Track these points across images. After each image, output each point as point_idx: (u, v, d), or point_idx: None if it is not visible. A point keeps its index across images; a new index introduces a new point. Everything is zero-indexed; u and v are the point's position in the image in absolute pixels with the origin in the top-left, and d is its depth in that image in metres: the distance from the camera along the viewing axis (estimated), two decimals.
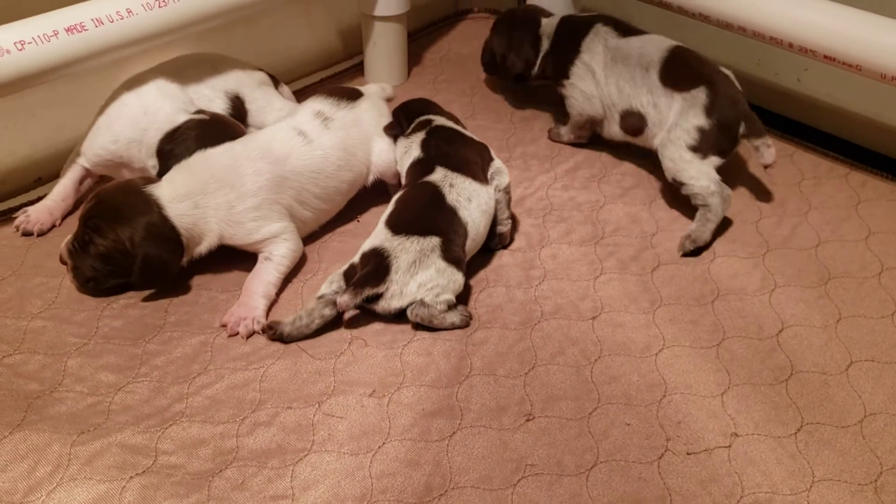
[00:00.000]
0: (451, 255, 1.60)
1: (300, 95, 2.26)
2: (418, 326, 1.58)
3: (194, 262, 1.68)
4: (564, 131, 2.11)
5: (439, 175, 1.70)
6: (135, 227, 1.57)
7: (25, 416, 1.40)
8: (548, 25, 2.11)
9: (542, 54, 2.10)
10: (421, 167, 1.74)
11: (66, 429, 1.38)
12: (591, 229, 1.85)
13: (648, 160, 2.05)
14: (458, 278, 1.60)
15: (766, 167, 1.88)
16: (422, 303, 1.56)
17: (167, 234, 1.59)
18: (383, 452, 1.38)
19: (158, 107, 1.78)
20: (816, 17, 1.81)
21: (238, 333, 1.56)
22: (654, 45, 1.93)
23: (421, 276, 1.56)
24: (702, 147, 1.83)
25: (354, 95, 1.87)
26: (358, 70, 2.40)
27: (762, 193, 1.96)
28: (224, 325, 1.58)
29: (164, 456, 1.36)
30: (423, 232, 1.60)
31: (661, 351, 1.57)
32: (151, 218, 1.58)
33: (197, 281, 1.69)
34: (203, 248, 1.65)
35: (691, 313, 1.66)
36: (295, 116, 1.80)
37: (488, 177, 1.75)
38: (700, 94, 1.84)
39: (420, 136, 1.80)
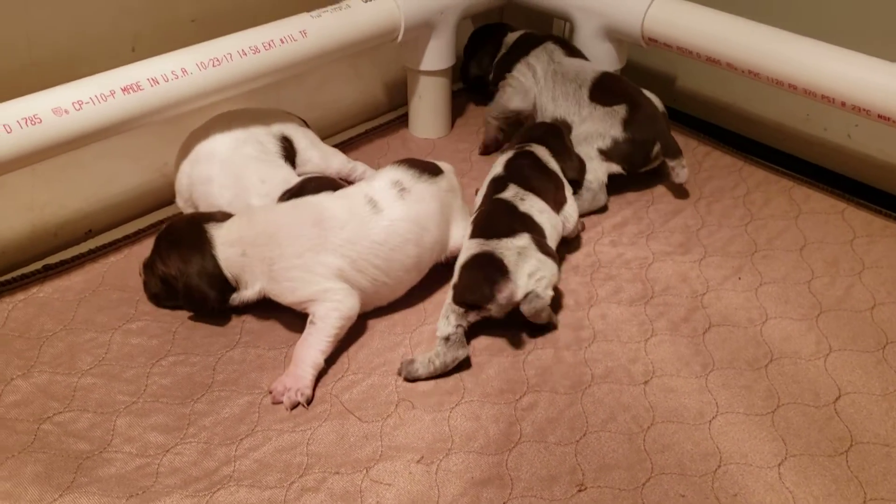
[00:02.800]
0: (544, 248, 1.69)
1: (346, 146, 2.28)
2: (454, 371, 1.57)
3: (245, 308, 1.72)
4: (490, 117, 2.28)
5: (511, 192, 1.80)
6: (186, 260, 1.66)
7: (75, 478, 1.40)
8: (510, 38, 2.33)
9: (496, 60, 2.33)
10: (497, 184, 1.84)
11: (115, 492, 1.38)
12: (640, 288, 1.83)
13: (696, 219, 2.03)
14: (556, 269, 1.68)
15: (676, 184, 2.12)
16: (536, 294, 1.62)
17: (212, 272, 1.66)
18: None
19: (272, 174, 1.85)
20: (869, 76, 1.79)
21: (282, 403, 1.56)
22: (590, 68, 2.14)
23: (527, 266, 1.63)
24: (610, 154, 2.04)
25: (436, 171, 1.80)
26: (402, 122, 2.42)
27: (813, 252, 1.93)
28: (270, 392, 1.57)
29: None
30: (511, 233, 1.69)
31: (714, 418, 1.54)
32: (202, 255, 1.66)
33: (245, 338, 1.69)
34: (248, 294, 1.66)
35: (745, 378, 1.62)
36: (371, 183, 1.75)
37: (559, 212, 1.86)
38: (621, 110, 2.04)
39: (508, 154, 1.92)
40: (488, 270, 1.62)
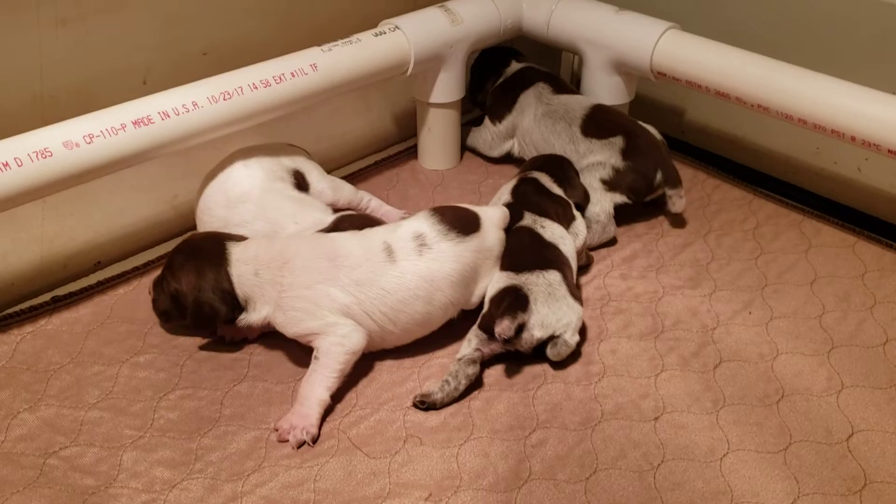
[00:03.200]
0: (571, 288, 1.72)
1: (355, 178, 2.29)
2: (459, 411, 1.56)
3: (253, 340, 1.74)
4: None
5: (529, 220, 1.83)
6: (201, 273, 1.65)
7: None
8: (511, 69, 2.36)
9: (493, 86, 2.36)
10: (510, 212, 1.84)
11: None
12: (650, 322, 1.82)
13: (706, 252, 2.03)
14: (581, 312, 1.71)
15: (672, 214, 2.13)
16: (564, 342, 1.66)
17: (225, 288, 1.64)
18: None
19: (305, 215, 1.85)
20: (879, 112, 1.78)
21: (288, 441, 1.54)
22: (579, 104, 2.16)
23: (557, 310, 1.66)
24: (612, 183, 2.04)
25: (470, 227, 1.70)
26: (411, 153, 2.42)
27: (824, 286, 1.92)
28: (276, 430, 1.56)
29: None
30: (542, 266, 1.71)
31: (725, 455, 1.52)
32: (218, 270, 1.65)
33: (252, 371, 1.69)
34: (254, 318, 1.65)
35: (756, 414, 1.61)
36: (396, 229, 1.70)
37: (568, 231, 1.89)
38: (618, 141, 2.05)
39: (512, 182, 1.96)
40: (510, 301, 1.65)
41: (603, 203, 2.03)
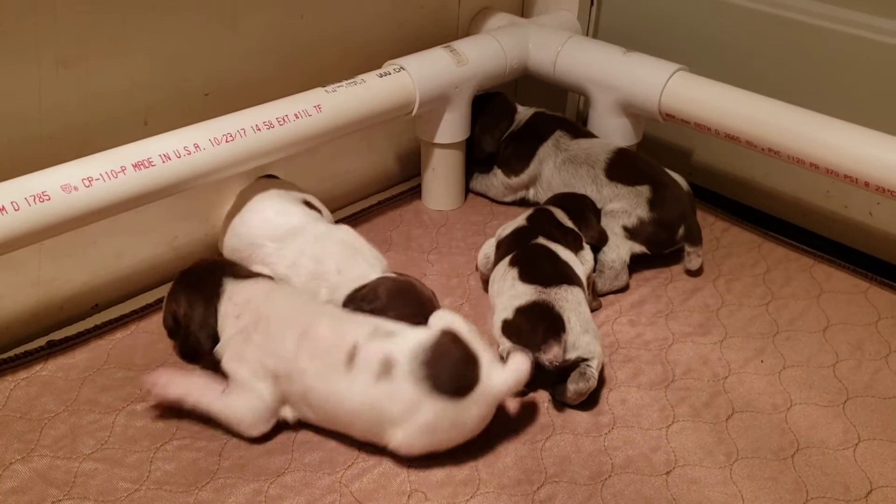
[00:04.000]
0: (590, 311, 1.75)
1: (358, 218, 2.26)
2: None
3: None
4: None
5: (542, 241, 1.85)
6: (192, 306, 1.64)
7: None
8: (522, 114, 2.32)
9: (506, 134, 2.30)
10: (522, 234, 1.88)
11: None
12: (660, 371, 1.78)
13: (716, 298, 1.99)
14: (600, 350, 1.70)
15: (687, 270, 2.08)
16: (591, 375, 1.64)
17: (210, 324, 1.63)
18: None
19: (350, 266, 1.79)
20: (894, 158, 1.75)
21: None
22: (601, 147, 2.13)
23: (586, 332, 1.67)
24: (634, 233, 2.00)
25: (464, 387, 1.48)
26: (415, 193, 2.39)
27: (837, 334, 1.88)
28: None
29: None
30: (567, 281, 1.73)
31: None
32: (207, 306, 1.63)
33: None
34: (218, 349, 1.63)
35: (770, 469, 1.56)
36: (380, 343, 1.52)
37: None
38: (645, 191, 2.01)
39: (527, 212, 1.97)
40: (549, 322, 1.66)
41: (621, 251, 1.99)
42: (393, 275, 1.77)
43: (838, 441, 1.61)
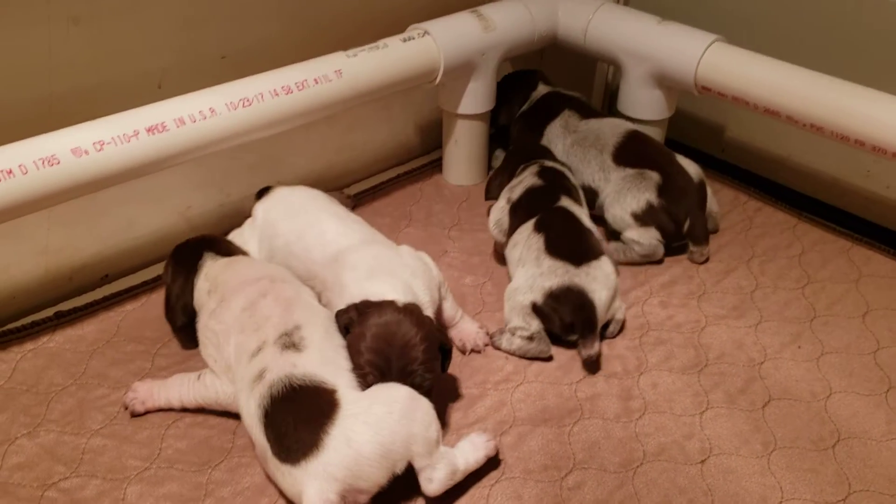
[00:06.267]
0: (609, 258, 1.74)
1: (377, 192, 2.18)
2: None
3: None
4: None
5: (566, 202, 1.81)
6: (174, 279, 1.63)
7: None
8: (538, 93, 2.24)
9: (519, 112, 2.24)
10: (542, 193, 1.83)
11: None
12: (693, 354, 1.70)
13: (750, 280, 1.91)
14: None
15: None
16: (616, 322, 1.72)
17: (186, 300, 1.61)
18: None
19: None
20: None
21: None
22: (611, 129, 2.04)
23: (614, 301, 1.70)
24: (645, 219, 1.92)
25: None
26: (435, 167, 2.31)
27: (877, 320, 1.80)
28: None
29: None
30: (596, 255, 1.70)
31: None
32: (185, 280, 1.61)
33: None
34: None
35: (810, 459, 1.48)
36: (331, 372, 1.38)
37: None
38: (654, 175, 1.93)
39: (533, 169, 1.91)
40: (585, 316, 1.63)
41: (648, 236, 1.92)
42: (397, 306, 1.44)
43: (881, 432, 1.54)
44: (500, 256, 1.96)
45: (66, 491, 1.38)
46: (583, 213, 1.82)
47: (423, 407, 1.34)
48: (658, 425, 1.54)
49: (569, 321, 1.64)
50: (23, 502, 1.35)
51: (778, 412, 1.58)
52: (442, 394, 1.57)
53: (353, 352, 1.40)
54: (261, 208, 1.79)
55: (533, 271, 1.69)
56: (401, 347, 1.39)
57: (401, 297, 1.46)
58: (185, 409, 1.53)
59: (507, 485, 1.41)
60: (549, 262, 1.69)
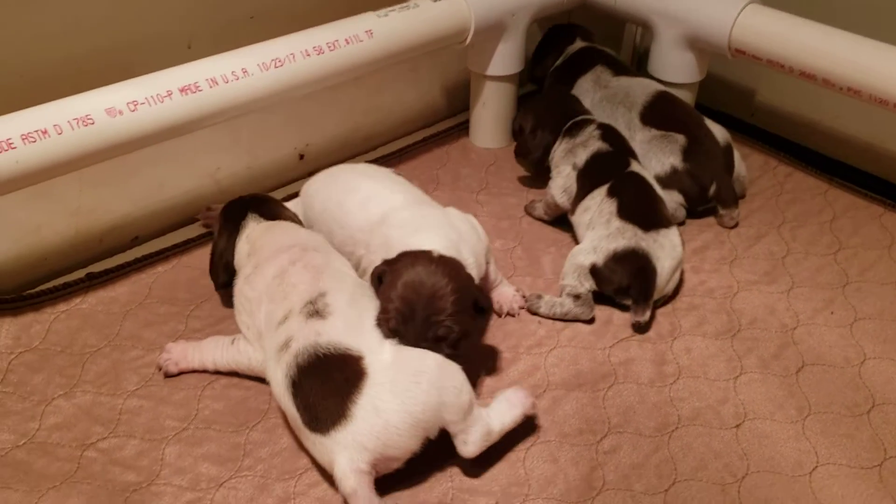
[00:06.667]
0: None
1: (403, 155, 2.17)
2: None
3: None
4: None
5: (637, 166, 1.81)
6: (219, 236, 1.63)
7: None
8: (572, 48, 2.24)
9: (553, 65, 2.24)
10: (612, 158, 1.81)
11: None
12: (725, 320, 1.69)
13: (781, 245, 1.89)
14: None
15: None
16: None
17: (227, 259, 1.60)
18: None
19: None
20: None
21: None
22: (641, 88, 2.03)
23: (674, 277, 1.71)
24: (668, 182, 1.90)
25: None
26: (462, 130, 2.29)
27: None
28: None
29: None
30: (666, 224, 1.71)
31: (815, 470, 1.40)
32: (229, 240, 1.61)
33: None
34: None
35: (845, 425, 1.48)
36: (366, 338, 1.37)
37: None
38: (679, 138, 1.92)
39: (592, 130, 1.88)
40: (643, 284, 1.64)
41: (670, 200, 1.89)
42: (431, 256, 1.41)
43: None
44: (529, 220, 1.95)
45: (105, 451, 1.39)
46: (651, 178, 1.81)
47: (453, 374, 1.32)
48: (692, 390, 1.54)
49: (626, 284, 1.64)
50: (62, 462, 1.36)
51: (812, 378, 1.57)
52: (474, 358, 1.57)
53: (383, 298, 1.39)
54: (303, 187, 1.79)
55: (601, 233, 1.70)
56: (428, 297, 1.35)
57: (442, 251, 1.43)
58: (217, 372, 1.53)
59: (542, 448, 1.42)
60: (617, 224, 1.69)
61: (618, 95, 2.04)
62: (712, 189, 1.92)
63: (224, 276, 1.61)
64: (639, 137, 1.96)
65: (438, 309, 1.35)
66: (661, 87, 2.04)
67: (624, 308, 1.69)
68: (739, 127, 2.27)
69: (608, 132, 1.87)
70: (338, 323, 1.36)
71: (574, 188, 1.82)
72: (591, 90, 2.10)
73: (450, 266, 1.40)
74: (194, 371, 1.53)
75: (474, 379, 1.49)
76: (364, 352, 1.32)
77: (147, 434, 1.42)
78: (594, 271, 1.66)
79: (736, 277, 1.80)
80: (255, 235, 1.58)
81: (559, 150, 1.90)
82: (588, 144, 1.85)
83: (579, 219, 1.79)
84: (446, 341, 1.36)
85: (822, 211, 2.01)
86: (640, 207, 1.71)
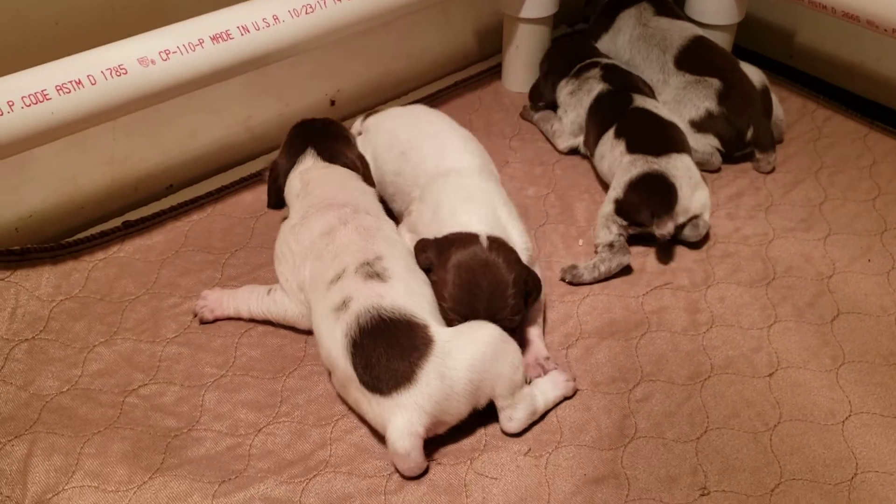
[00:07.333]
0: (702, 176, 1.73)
1: (434, 100, 2.15)
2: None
3: None
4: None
5: (641, 100, 1.80)
6: (278, 160, 1.62)
7: (164, 459, 1.32)
8: None
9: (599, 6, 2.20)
10: (615, 98, 1.82)
11: (206, 475, 1.29)
12: (760, 267, 1.68)
13: (819, 191, 1.86)
14: (708, 194, 1.73)
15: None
16: (703, 222, 1.69)
17: (279, 185, 1.61)
18: None
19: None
20: None
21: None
22: (679, 32, 1.99)
23: (699, 196, 1.68)
24: (703, 125, 1.88)
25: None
26: (494, 74, 2.26)
27: None
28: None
29: None
30: (677, 149, 1.70)
31: (848, 418, 1.40)
32: (286, 168, 1.60)
33: None
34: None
35: (879, 374, 1.48)
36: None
37: None
38: (714, 82, 1.89)
39: (595, 72, 1.90)
40: (663, 196, 1.64)
41: (704, 143, 1.89)
42: (481, 246, 1.40)
43: None
44: (562, 166, 1.94)
45: (146, 397, 1.42)
46: (659, 106, 1.81)
47: (513, 350, 1.35)
48: (725, 338, 1.54)
49: (648, 204, 1.64)
50: (105, 408, 1.40)
51: (847, 326, 1.56)
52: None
53: (438, 296, 1.39)
54: (371, 120, 1.77)
55: (619, 178, 1.70)
56: (489, 296, 1.36)
57: (488, 231, 1.42)
58: (252, 320, 1.56)
59: (574, 397, 1.43)
60: (629, 158, 1.70)
61: (655, 36, 2.00)
62: (749, 133, 1.88)
63: (274, 200, 1.62)
64: (673, 83, 1.93)
65: (500, 307, 1.37)
66: (699, 32, 1.99)
67: (639, 257, 1.69)
68: (778, 69, 2.22)
69: (609, 71, 1.88)
70: (399, 287, 1.36)
71: (574, 142, 1.91)
72: (630, 26, 2.07)
73: (501, 254, 1.39)
74: (229, 318, 1.56)
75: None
76: (428, 320, 1.33)
77: (186, 381, 1.45)
78: (619, 209, 1.66)
79: (772, 224, 1.78)
80: (308, 176, 1.56)
81: (564, 91, 1.93)
82: (591, 89, 1.87)
83: (600, 167, 1.82)
84: (508, 331, 1.37)
85: (861, 156, 1.97)
86: (648, 137, 1.72)
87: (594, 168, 1.87)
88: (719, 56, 1.95)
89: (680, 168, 1.66)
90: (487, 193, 1.52)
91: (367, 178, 1.62)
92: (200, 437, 1.36)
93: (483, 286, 1.36)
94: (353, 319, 1.32)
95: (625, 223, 1.65)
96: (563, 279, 1.63)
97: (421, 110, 1.76)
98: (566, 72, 1.95)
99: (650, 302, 1.60)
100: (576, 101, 1.88)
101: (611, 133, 1.76)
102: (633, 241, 1.70)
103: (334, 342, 1.33)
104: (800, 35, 2.25)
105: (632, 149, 1.70)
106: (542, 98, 2.02)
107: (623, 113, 1.77)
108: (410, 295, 1.36)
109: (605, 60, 1.94)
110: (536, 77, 2.08)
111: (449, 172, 1.55)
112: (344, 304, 1.34)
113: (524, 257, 1.45)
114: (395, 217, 1.64)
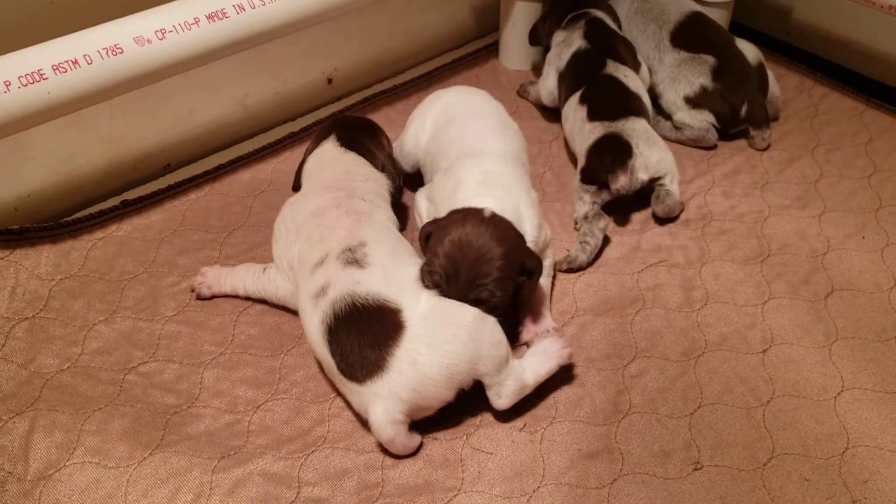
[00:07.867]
0: (659, 134, 1.77)
1: (431, 78, 2.15)
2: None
3: None
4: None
5: (612, 67, 1.81)
6: (313, 138, 1.69)
7: (164, 435, 1.34)
8: None
9: None
10: (589, 58, 1.84)
11: (205, 451, 1.31)
12: (755, 245, 1.69)
13: (814, 169, 1.87)
14: (674, 164, 1.73)
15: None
16: (667, 192, 1.70)
17: (303, 159, 1.65)
18: (539, 498, 1.27)
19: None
20: None
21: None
22: (676, 6, 2.01)
23: (657, 152, 1.69)
24: (698, 101, 1.90)
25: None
26: (492, 51, 2.26)
27: None
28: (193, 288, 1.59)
29: (307, 487, 1.28)
30: (632, 113, 1.73)
31: (840, 394, 1.42)
32: (312, 145, 1.66)
33: None
34: None
35: (872, 350, 1.49)
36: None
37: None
38: (709, 59, 1.90)
39: (580, 25, 1.92)
40: (615, 153, 1.67)
41: (700, 118, 1.90)
42: (482, 216, 1.39)
43: None
44: (559, 144, 1.94)
45: (146, 375, 1.44)
46: (630, 76, 1.82)
47: (490, 328, 1.32)
48: (720, 315, 1.55)
49: (607, 163, 1.67)
50: (105, 385, 1.41)
51: (840, 303, 1.58)
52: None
53: (430, 251, 1.39)
54: (438, 91, 1.80)
55: (580, 142, 1.74)
56: (474, 259, 1.35)
57: (500, 212, 1.41)
58: (248, 298, 1.57)
59: (570, 373, 1.44)
60: (588, 126, 1.73)
61: (653, 11, 2.01)
62: (744, 110, 1.89)
63: (296, 181, 1.65)
64: (668, 60, 1.94)
65: (483, 273, 1.35)
66: (697, 8, 1.99)
67: (634, 235, 1.70)
68: (775, 46, 2.22)
69: (592, 27, 1.90)
70: (377, 273, 1.35)
71: (555, 94, 1.91)
72: (628, 1, 2.08)
73: (500, 228, 1.37)
74: (226, 296, 1.57)
75: (510, 325, 1.52)
76: (403, 304, 1.32)
77: (186, 358, 1.47)
78: (584, 176, 1.70)
79: (767, 202, 1.79)
80: (321, 158, 1.60)
81: (556, 39, 1.95)
82: (572, 43, 1.88)
83: (564, 127, 1.85)
84: (486, 304, 1.36)
85: (857, 133, 1.98)
86: (607, 104, 1.74)
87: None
88: (714, 32, 1.95)
89: (637, 129, 1.70)
90: (511, 179, 1.51)
91: (393, 179, 1.63)
92: (200, 413, 1.38)
93: (473, 248, 1.34)
94: (329, 306, 1.32)
95: (594, 188, 1.68)
96: (561, 270, 1.62)
97: (481, 95, 1.77)
98: (563, 16, 1.97)
99: (645, 279, 1.61)
100: (558, 52, 1.91)
101: (577, 96, 1.79)
102: (626, 217, 1.71)
103: (314, 329, 1.34)
104: (797, 12, 2.25)
105: (592, 116, 1.73)
106: (539, 40, 2.06)
107: (593, 77, 1.80)
108: (388, 280, 1.34)
109: (594, 13, 1.95)
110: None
111: (480, 153, 1.55)
112: (322, 291, 1.34)
113: (530, 245, 1.44)
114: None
